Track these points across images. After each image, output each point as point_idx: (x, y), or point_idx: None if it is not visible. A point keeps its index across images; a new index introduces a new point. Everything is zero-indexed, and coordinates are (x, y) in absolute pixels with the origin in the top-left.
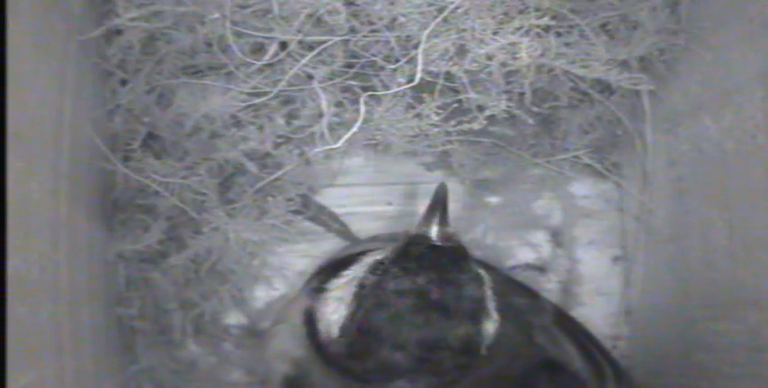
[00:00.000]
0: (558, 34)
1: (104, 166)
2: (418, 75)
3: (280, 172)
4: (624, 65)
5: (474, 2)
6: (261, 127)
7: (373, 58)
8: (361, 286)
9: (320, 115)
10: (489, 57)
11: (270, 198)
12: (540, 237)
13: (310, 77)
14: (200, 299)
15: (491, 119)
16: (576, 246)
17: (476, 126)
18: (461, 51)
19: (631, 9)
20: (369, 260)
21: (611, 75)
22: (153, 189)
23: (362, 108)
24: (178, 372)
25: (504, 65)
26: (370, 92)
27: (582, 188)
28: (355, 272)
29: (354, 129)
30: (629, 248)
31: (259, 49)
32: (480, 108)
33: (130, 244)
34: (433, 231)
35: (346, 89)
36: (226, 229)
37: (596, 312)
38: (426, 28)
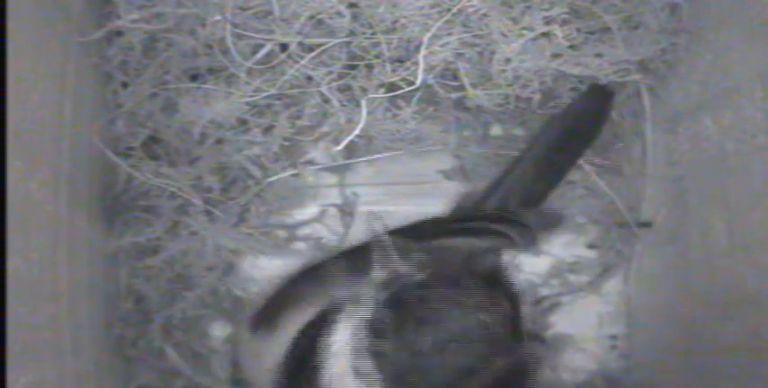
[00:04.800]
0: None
1: (105, 166)
2: (420, 77)
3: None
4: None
5: (487, 4)
6: (267, 130)
7: (376, 60)
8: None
9: (324, 116)
10: (508, 60)
11: (252, 208)
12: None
13: (310, 79)
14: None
15: (500, 119)
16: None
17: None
18: (480, 52)
19: (635, 10)
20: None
21: (628, 77)
22: (156, 191)
23: (364, 110)
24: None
25: (516, 68)
26: (371, 95)
27: (581, 187)
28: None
29: (357, 131)
30: (629, 248)
31: (260, 51)
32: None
33: (132, 237)
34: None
35: (347, 90)
36: (204, 234)
37: (595, 312)
38: (429, 30)
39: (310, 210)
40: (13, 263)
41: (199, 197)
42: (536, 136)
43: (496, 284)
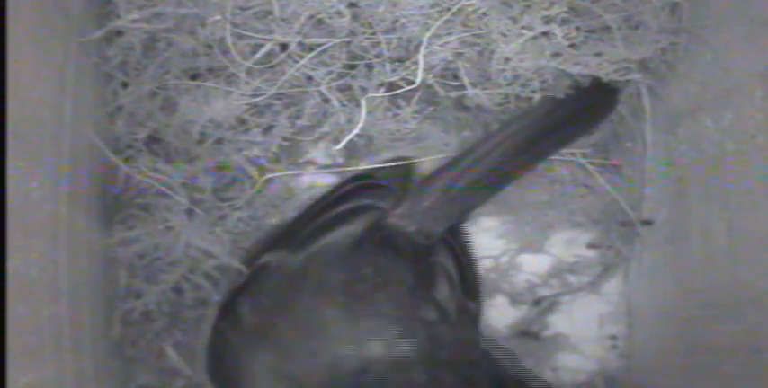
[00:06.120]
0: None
1: (105, 166)
2: (419, 77)
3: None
4: (630, 65)
5: (487, 3)
6: (267, 129)
7: (376, 60)
8: None
9: (324, 116)
10: (508, 59)
11: (238, 212)
12: (540, 237)
13: (310, 78)
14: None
15: (500, 119)
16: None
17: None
18: (480, 51)
19: (636, 9)
20: None
21: (628, 76)
22: (155, 190)
23: (364, 109)
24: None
25: (516, 67)
26: (371, 94)
27: (582, 186)
28: None
29: (356, 131)
30: (629, 248)
31: (260, 51)
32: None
33: (122, 233)
34: None
35: (347, 89)
36: (178, 231)
37: (595, 312)
38: (429, 30)
39: None
40: (12, 263)
41: (186, 195)
42: (520, 115)
43: (429, 252)
